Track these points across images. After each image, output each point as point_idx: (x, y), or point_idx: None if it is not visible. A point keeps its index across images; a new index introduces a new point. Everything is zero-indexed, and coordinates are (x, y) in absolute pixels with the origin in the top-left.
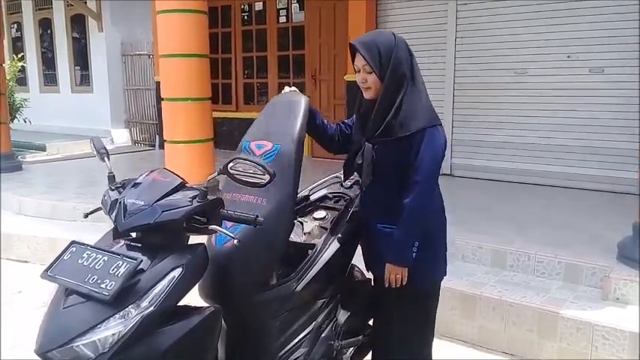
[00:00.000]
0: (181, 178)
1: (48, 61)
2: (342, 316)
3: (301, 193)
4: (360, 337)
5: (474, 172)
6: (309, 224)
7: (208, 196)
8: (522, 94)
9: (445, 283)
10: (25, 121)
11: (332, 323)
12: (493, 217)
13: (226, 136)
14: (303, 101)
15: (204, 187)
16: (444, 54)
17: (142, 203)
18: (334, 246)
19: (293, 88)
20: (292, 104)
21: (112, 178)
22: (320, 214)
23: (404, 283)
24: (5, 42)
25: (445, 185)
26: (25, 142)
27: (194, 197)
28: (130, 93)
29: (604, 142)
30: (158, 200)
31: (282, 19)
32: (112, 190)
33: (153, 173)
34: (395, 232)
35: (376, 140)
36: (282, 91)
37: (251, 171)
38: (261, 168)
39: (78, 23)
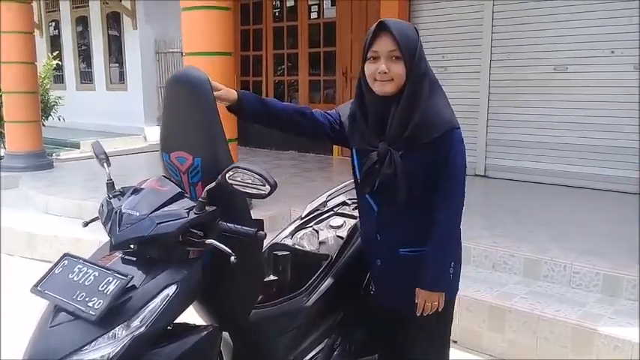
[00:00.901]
0: (180, 187)
1: (85, 59)
2: (357, 332)
3: (318, 199)
4: (376, 355)
5: (509, 174)
6: (325, 233)
7: (207, 208)
8: (562, 91)
9: (473, 294)
10: (60, 119)
11: (346, 341)
12: (527, 222)
13: (256, 134)
14: (203, 84)
15: (202, 197)
16: (480, 49)
17: (138, 214)
18: (350, 257)
19: (189, 66)
20: (193, 92)
21: (110, 185)
22: (337, 221)
23: (440, 310)
24: (44, 40)
25: (479, 187)
26: (59, 139)
27: (191, 209)
28: (163, 91)
29: None
30: (154, 211)
31: (314, 15)
32: (111, 198)
33: (151, 181)
34: (428, 254)
35: (402, 145)
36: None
37: (250, 181)
38: (260, 178)
39: (113, 21)
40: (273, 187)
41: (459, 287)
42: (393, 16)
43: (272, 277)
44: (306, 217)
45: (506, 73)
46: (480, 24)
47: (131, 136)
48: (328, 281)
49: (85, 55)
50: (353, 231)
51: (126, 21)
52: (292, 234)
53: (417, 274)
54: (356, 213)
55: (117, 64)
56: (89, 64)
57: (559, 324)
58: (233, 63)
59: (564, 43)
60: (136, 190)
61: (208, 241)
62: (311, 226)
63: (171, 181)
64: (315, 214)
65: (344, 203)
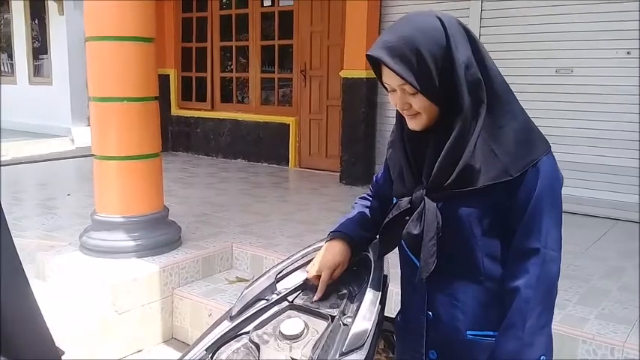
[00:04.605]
0: None
1: (6, 49)
2: None
3: (261, 282)
4: None
5: None
6: (271, 351)
7: None
8: (566, 99)
9: None
10: None
11: None
12: None
13: (201, 139)
14: None
15: None
16: None
17: None
18: None
19: None
20: None
21: None
22: (292, 326)
23: None
24: None
25: None
26: None
27: None
28: None
29: None
30: None
31: (267, 3)
32: None
33: None
34: (500, 341)
35: (446, 194)
36: None
37: None
38: None
39: (38, 6)
40: None
41: None
42: (359, 6)
43: None
44: (239, 314)
45: None
46: (467, 15)
47: (57, 138)
48: None
49: (6, 43)
50: (323, 351)
51: (51, 5)
52: (213, 350)
53: None
54: (324, 309)
55: (44, 55)
56: (10, 55)
57: None
58: (154, 53)
59: (568, 40)
60: None
61: None
62: (247, 334)
63: None
64: (256, 309)
65: (305, 287)
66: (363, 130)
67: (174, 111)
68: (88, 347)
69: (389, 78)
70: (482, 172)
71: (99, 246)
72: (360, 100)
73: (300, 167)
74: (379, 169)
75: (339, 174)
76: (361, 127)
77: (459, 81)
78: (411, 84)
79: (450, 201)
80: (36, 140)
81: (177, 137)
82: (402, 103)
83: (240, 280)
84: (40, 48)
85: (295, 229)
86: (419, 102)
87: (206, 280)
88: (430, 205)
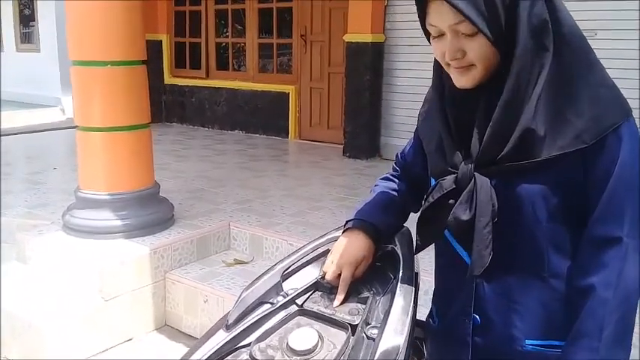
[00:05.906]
0: None
1: None
2: None
3: (264, 280)
4: None
5: None
6: None
7: None
8: None
9: None
10: None
11: None
12: None
13: (195, 109)
14: None
15: None
16: None
17: None
18: None
19: None
20: None
21: None
22: (304, 337)
23: None
24: None
25: None
26: None
27: None
28: None
29: None
30: None
31: None
32: None
33: None
34: (569, 355)
35: (500, 168)
36: None
37: None
38: None
39: None
40: None
41: None
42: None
43: None
44: (237, 322)
45: None
46: None
47: (46, 108)
48: None
49: None
50: None
51: None
52: None
53: None
54: (341, 314)
55: (34, 22)
56: None
57: None
58: (140, 10)
59: (591, 1)
60: None
61: None
62: (247, 347)
63: None
64: (258, 316)
65: (317, 287)
66: (368, 99)
67: (168, 79)
68: (72, 337)
69: (440, 16)
70: (548, 138)
71: (83, 226)
72: (365, 67)
73: (300, 139)
74: (387, 140)
75: (341, 146)
76: (366, 95)
77: (522, 22)
78: (472, 21)
79: (507, 177)
80: (24, 110)
81: (171, 107)
82: (454, 51)
83: (239, 262)
84: (30, 15)
85: (297, 206)
86: (477, 47)
87: (201, 263)
88: (483, 183)
